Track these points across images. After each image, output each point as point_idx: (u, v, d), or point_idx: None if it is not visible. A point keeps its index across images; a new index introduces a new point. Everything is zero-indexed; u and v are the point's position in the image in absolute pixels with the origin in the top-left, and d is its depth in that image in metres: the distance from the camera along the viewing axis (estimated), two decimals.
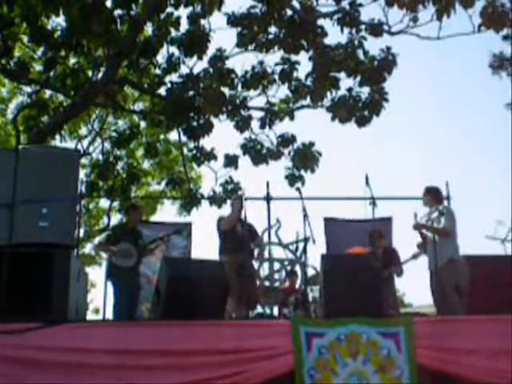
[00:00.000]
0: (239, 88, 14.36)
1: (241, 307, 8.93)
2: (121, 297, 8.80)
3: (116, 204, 18.29)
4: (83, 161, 17.25)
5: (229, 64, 14.22)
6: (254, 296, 9.12)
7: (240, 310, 8.89)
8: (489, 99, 47.83)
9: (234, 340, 6.23)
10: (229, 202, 9.74)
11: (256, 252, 9.76)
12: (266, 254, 11.10)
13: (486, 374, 6.16)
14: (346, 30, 13.31)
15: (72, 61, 14.55)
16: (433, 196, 8.98)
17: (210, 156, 15.16)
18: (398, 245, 10.41)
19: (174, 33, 14.07)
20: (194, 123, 14.73)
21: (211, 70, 14.09)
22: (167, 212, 26.53)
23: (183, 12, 14.02)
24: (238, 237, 9.19)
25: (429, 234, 8.66)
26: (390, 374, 6.14)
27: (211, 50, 13.98)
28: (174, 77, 14.58)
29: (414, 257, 9.39)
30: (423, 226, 8.72)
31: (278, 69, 14.06)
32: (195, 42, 13.77)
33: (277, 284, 11.26)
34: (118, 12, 13.44)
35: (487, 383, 6.14)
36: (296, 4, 13.50)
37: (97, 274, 24.96)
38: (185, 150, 16.78)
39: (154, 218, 19.24)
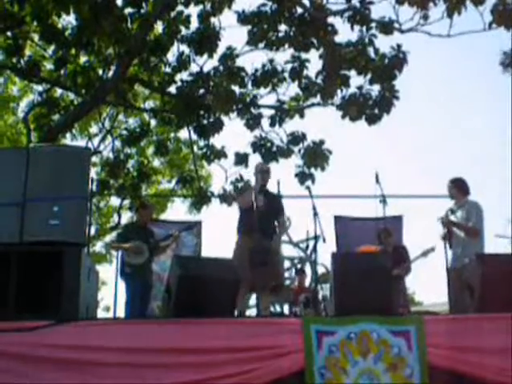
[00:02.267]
0: (249, 86, 14.36)
1: (249, 296, 8.77)
2: (133, 295, 8.84)
3: (126, 202, 18.34)
4: (94, 159, 17.31)
5: (239, 62, 14.22)
6: (271, 281, 8.37)
7: (247, 300, 8.69)
8: (499, 97, 47.58)
9: (245, 338, 6.23)
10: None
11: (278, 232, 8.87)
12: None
13: (496, 372, 6.13)
14: (357, 28, 13.25)
15: (82, 59, 14.55)
16: (459, 188, 8.82)
17: (221, 154, 15.16)
18: (408, 243, 10.40)
19: (184, 31, 14.09)
20: (205, 121, 14.72)
21: (221, 68, 14.09)
22: (177, 210, 26.55)
23: (193, 10, 14.05)
24: (257, 215, 8.33)
25: (458, 231, 8.56)
26: (401, 372, 6.13)
27: (221, 48, 13.99)
28: (184, 75, 14.59)
29: (423, 254, 9.35)
30: (454, 223, 8.60)
31: (289, 67, 14.03)
32: (205, 40, 13.77)
33: (287, 282, 11.28)
34: (128, 10, 13.48)
35: (498, 382, 6.12)
36: (306, 2, 13.49)
37: (107, 272, 24.98)
38: (195, 148, 16.78)
39: (164, 217, 19.30)
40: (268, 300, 8.59)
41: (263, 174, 8.95)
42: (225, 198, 14.66)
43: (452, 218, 8.66)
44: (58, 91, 15.92)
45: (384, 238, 9.52)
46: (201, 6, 13.97)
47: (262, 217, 8.34)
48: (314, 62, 13.92)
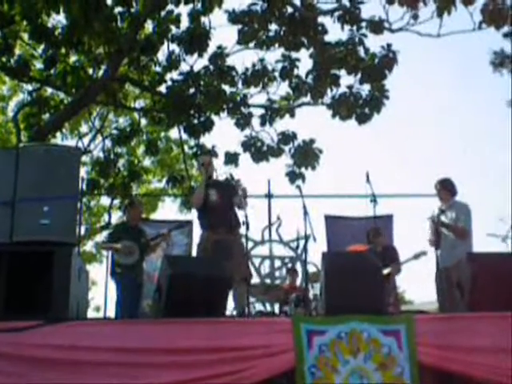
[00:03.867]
0: (240, 85, 14.40)
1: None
2: (123, 294, 8.81)
3: (117, 202, 18.31)
4: (84, 158, 17.25)
5: (229, 61, 14.26)
6: (238, 274, 7.90)
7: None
8: (490, 97, 47.78)
9: (235, 337, 6.23)
10: None
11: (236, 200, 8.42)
12: (265, 249, 11.02)
13: (487, 371, 6.15)
14: (347, 28, 13.34)
15: (72, 58, 14.55)
16: (447, 189, 8.86)
17: (211, 153, 15.16)
18: (398, 242, 10.42)
19: (174, 30, 14.09)
20: (195, 121, 14.74)
21: (212, 67, 14.11)
22: (168, 210, 26.54)
23: (184, 9, 14.07)
24: (211, 208, 8.36)
25: (446, 232, 8.60)
26: (391, 371, 6.14)
27: (212, 48, 14.01)
28: (174, 74, 14.61)
29: (415, 257, 9.32)
30: (443, 224, 8.64)
31: (279, 66, 14.07)
32: (196, 39, 13.76)
33: (278, 281, 11.28)
34: (118, 9, 13.47)
35: (488, 380, 6.14)
36: (296, 1, 13.55)
37: (98, 271, 24.94)
38: (185, 148, 16.82)
39: (154, 216, 19.26)
40: (243, 296, 8.26)
41: (205, 166, 8.69)
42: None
43: (442, 218, 8.70)
44: (48, 90, 15.89)
45: (373, 237, 9.52)
46: (191, 5, 13.97)
47: (218, 211, 8.30)
48: (305, 61, 13.99)
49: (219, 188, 8.57)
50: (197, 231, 10.74)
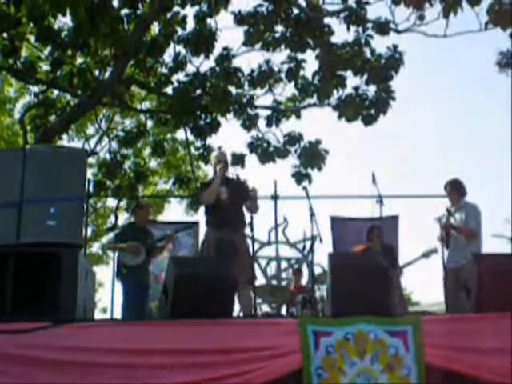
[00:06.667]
0: (246, 87, 14.41)
1: None
2: (129, 296, 8.82)
3: (123, 203, 18.33)
4: (90, 160, 17.26)
5: (235, 63, 14.29)
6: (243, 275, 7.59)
7: None
8: (496, 97, 47.67)
9: (242, 339, 6.22)
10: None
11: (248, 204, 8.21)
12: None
13: (494, 372, 6.13)
14: (353, 29, 13.34)
15: (79, 60, 14.55)
16: (457, 190, 8.83)
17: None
18: (404, 243, 10.40)
19: (180, 32, 14.10)
20: (201, 122, 14.76)
21: (218, 68, 14.13)
22: (174, 211, 26.58)
23: (190, 11, 14.08)
24: (220, 207, 8.10)
25: (455, 233, 8.57)
26: (398, 373, 6.12)
27: (218, 49, 14.05)
28: (180, 76, 14.63)
29: (425, 255, 9.27)
30: (453, 227, 8.61)
31: (285, 67, 14.09)
32: (202, 40, 13.80)
33: (284, 283, 11.28)
34: (124, 11, 13.48)
35: (495, 382, 6.13)
36: (302, 2, 13.57)
37: (104, 273, 24.96)
38: (192, 149, 16.82)
39: (161, 217, 19.27)
40: (247, 296, 8.09)
41: (222, 163, 8.45)
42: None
43: (451, 220, 8.67)
44: (55, 92, 15.92)
45: (374, 236, 9.46)
46: (197, 7, 13.99)
47: (226, 209, 8.07)
48: (311, 62, 13.99)
49: (230, 186, 8.28)
50: (203, 231, 10.84)
